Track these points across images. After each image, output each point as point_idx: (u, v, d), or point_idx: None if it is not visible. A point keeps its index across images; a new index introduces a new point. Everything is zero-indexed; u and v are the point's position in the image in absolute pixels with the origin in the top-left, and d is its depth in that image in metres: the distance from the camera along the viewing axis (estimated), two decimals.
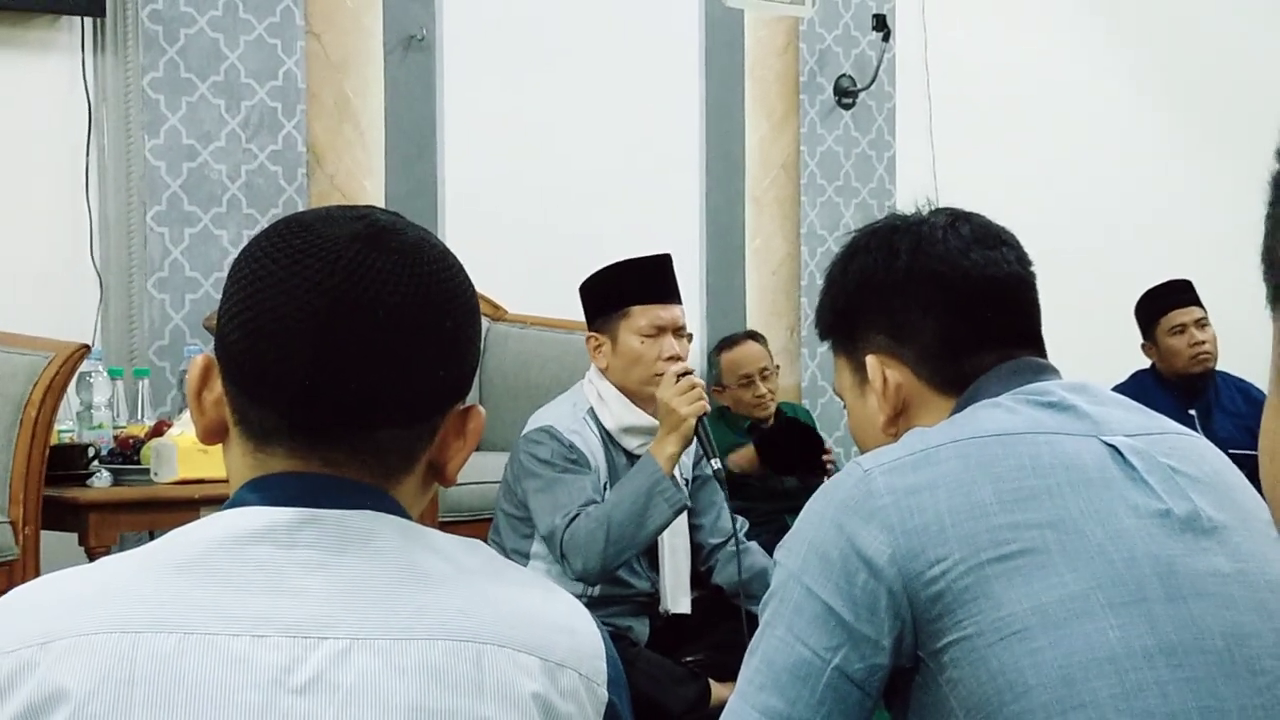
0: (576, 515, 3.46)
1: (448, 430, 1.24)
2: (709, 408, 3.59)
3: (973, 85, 6.09)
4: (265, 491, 1.19)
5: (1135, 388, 5.07)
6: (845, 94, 5.79)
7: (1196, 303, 5.18)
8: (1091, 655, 1.40)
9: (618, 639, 3.49)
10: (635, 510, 3.43)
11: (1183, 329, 5.15)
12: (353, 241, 1.18)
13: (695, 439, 3.54)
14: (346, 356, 1.16)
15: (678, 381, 3.49)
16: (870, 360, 1.64)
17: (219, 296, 1.24)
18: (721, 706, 1.53)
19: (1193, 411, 5.04)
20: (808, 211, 5.73)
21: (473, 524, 4.12)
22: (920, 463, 1.48)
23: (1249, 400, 5.15)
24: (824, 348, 5.86)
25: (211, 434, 1.24)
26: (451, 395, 1.23)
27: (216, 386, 1.23)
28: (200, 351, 4.15)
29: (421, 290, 1.18)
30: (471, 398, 5.49)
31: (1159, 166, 6.57)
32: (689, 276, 5.15)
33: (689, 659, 3.84)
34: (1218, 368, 5.23)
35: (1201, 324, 5.15)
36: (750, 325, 5.48)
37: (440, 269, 1.21)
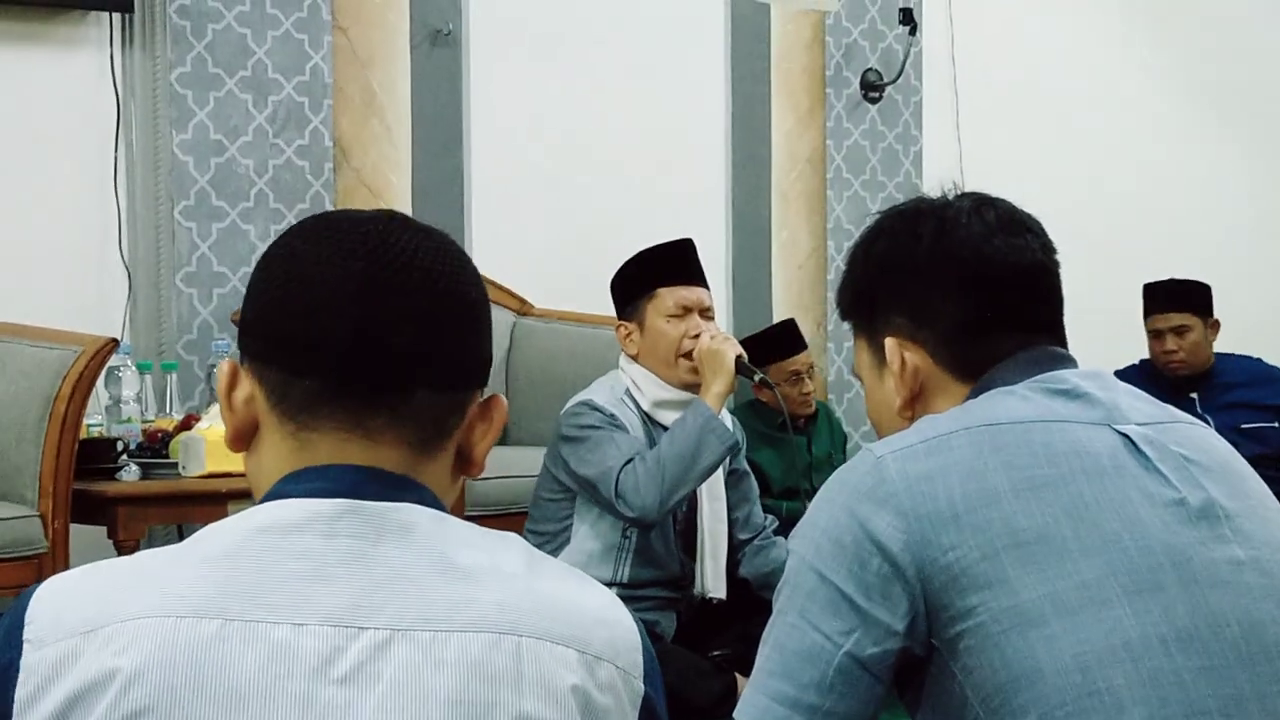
0: (630, 460, 3.54)
1: (474, 414, 1.27)
2: (742, 350, 3.72)
3: (999, 79, 6.07)
4: (306, 483, 1.20)
5: (1137, 371, 5.12)
6: (871, 88, 5.78)
7: (1180, 308, 5.10)
8: (1107, 643, 1.39)
9: None
10: (688, 447, 3.51)
11: (1158, 335, 5.14)
12: (376, 220, 1.24)
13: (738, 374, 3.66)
14: (388, 315, 1.20)
15: (711, 337, 3.67)
16: (889, 342, 1.64)
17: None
18: None
19: (1194, 395, 5.06)
20: (834, 205, 5.72)
21: (500, 518, 4.12)
22: (933, 449, 1.48)
23: (1255, 375, 5.18)
24: (851, 343, 5.85)
25: (242, 436, 1.26)
26: (479, 370, 1.27)
27: (246, 385, 1.25)
28: (228, 346, 4.19)
29: (447, 260, 1.24)
30: (497, 391, 5.48)
31: (1189, 159, 6.54)
32: (715, 271, 5.15)
33: (715, 653, 3.85)
34: (1228, 350, 5.24)
35: (1180, 331, 5.09)
36: (776, 320, 5.47)
37: (456, 248, 1.27)
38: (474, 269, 1.28)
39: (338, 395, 1.21)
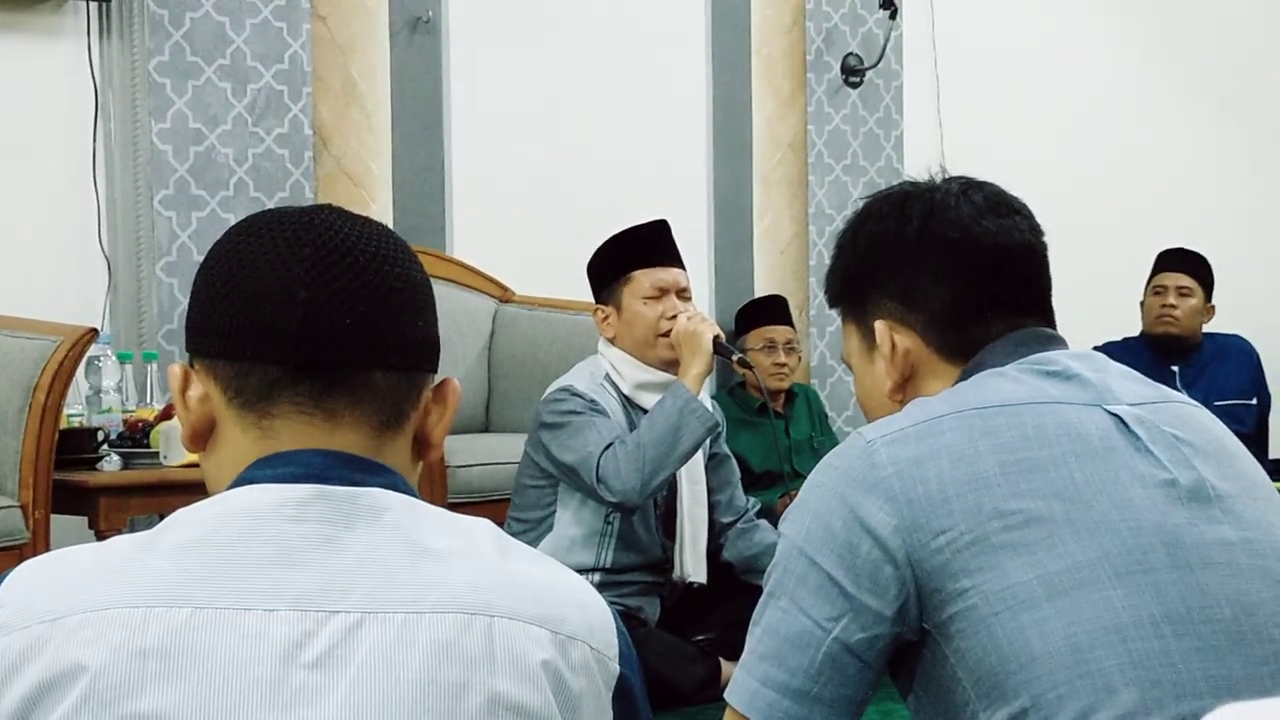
0: (611, 444, 3.54)
1: (428, 398, 1.28)
2: (720, 331, 3.73)
3: (980, 63, 6.07)
4: (274, 468, 1.20)
5: (1120, 346, 5.24)
6: (852, 73, 5.78)
7: (1189, 273, 5.31)
8: (1098, 624, 1.40)
9: (628, 619, 3.52)
10: (669, 429, 3.51)
11: (1161, 290, 5.33)
12: (316, 211, 1.26)
13: (715, 355, 3.68)
14: (338, 297, 1.21)
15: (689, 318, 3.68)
16: (879, 326, 1.64)
17: None
18: None
19: (1175, 367, 5.18)
20: (815, 191, 5.72)
21: (482, 505, 4.12)
22: (923, 433, 1.48)
23: (1234, 352, 5.35)
24: (833, 327, 5.84)
25: (198, 435, 1.27)
26: (430, 351, 1.28)
27: (199, 385, 1.25)
28: None
29: (389, 245, 1.25)
30: (479, 379, 5.45)
31: (1172, 142, 6.55)
32: (697, 256, 5.15)
33: (699, 638, 3.85)
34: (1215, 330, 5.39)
35: (1183, 292, 5.29)
36: None
37: (396, 235, 1.28)
38: (415, 256, 1.29)
39: (295, 379, 1.22)
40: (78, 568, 1.16)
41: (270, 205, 4.52)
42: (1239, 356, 5.37)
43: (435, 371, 1.30)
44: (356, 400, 1.22)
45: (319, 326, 1.20)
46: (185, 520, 1.18)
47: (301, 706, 1.10)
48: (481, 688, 1.13)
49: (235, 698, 1.09)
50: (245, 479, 1.20)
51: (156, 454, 3.79)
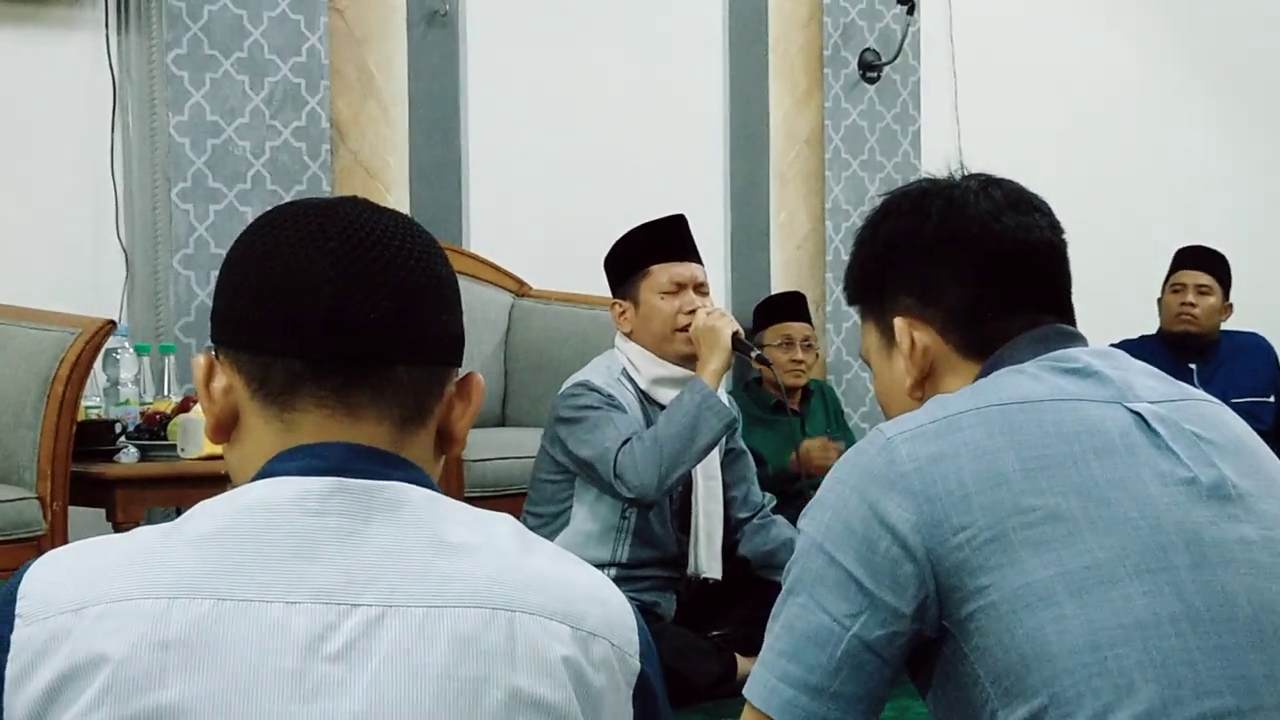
0: (629, 439, 3.53)
1: (452, 393, 1.28)
2: (739, 327, 3.72)
3: (998, 58, 6.06)
4: (295, 461, 1.20)
5: (1138, 344, 5.19)
6: (870, 68, 5.77)
7: (1208, 271, 5.28)
8: (1118, 622, 1.39)
9: (644, 614, 3.52)
10: (686, 425, 3.51)
11: (1180, 288, 5.29)
12: (343, 204, 1.25)
13: (734, 351, 3.67)
14: (362, 291, 1.21)
15: (708, 314, 3.66)
16: (898, 322, 1.64)
17: None
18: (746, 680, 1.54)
19: (1193, 365, 5.17)
20: (832, 186, 5.71)
21: (498, 499, 4.12)
22: (943, 430, 1.48)
23: (1252, 350, 5.33)
24: (850, 323, 5.84)
25: (222, 426, 1.27)
26: (454, 346, 1.27)
27: (223, 376, 1.25)
28: None
29: (415, 240, 1.25)
30: (496, 373, 5.44)
31: (1187, 138, 6.53)
32: (713, 251, 5.15)
33: (715, 633, 3.85)
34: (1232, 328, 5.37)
35: (1203, 290, 5.26)
36: None
37: (423, 229, 1.28)
38: (441, 249, 1.28)
39: (318, 374, 1.21)
40: (100, 558, 1.16)
41: (287, 199, 4.52)
42: (1256, 354, 5.35)
43: (459, 366, 1.29)
44: (379, 394, 1.22)
45: (343, 320, 1.20)
46: (206, 512, 1.18)
47: (323, 699, 1.11)
48: (502, 683, 1.13)
49: (257, 689, 1.10)
50: (267, 471, 1.20)
51: (174, 446, 3.80)
